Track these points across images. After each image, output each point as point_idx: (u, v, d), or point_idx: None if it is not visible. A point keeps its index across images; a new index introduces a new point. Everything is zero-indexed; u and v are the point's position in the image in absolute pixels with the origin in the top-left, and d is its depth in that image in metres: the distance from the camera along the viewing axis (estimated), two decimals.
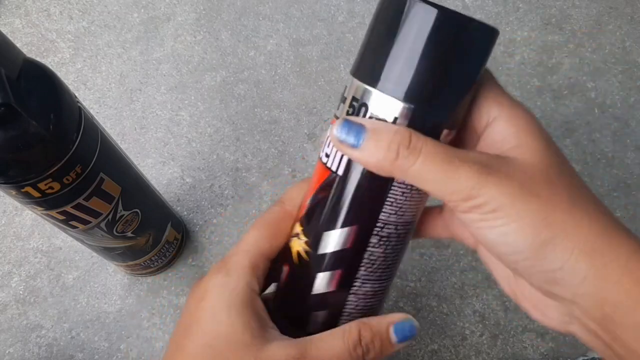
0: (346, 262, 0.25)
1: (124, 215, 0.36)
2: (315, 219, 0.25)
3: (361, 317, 0.26)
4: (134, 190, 0.35)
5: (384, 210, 0.24)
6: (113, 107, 0.52)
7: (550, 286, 0.22)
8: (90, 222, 0.34)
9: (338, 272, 0.25)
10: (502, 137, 0.23)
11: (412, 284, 0.44)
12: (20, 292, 0.45)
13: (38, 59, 0.55)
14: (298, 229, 0.26)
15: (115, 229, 0.36)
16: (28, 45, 0.56)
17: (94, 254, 0.46)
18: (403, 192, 0.24)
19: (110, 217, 0.34)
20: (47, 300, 0.45)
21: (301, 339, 0.24)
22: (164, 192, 0.48)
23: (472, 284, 0.43)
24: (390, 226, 0.24)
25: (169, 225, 0.42)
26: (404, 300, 0.43)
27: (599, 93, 0.49)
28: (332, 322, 0.26)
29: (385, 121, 0.23)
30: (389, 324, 0.25)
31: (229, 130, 0.51)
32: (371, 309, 0.27)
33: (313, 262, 0.25)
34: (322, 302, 0.26)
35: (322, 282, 0.25)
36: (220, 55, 0.54)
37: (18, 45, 0.57)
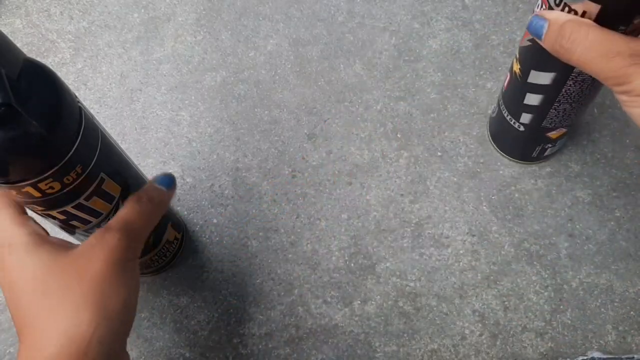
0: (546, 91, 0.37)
1: None
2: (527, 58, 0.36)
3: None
4: (135, 190, 0.35)
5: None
6: (113, 107, 0.52)
7: None
8: (91, 222, 0.34)
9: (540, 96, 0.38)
10: None
11: (411, 283, 0.44)
12: None
13: (38, 59, 0.55)
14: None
15: None
16: (28, 45, 0.56)
17: None
18: None
19: (110, 217, 0.34)
20: None
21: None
22: None
23: (472, 284, 0.43)
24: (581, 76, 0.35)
25: (168, 225, 0.42)
26: (403, 300, 0.43)
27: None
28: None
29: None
30: (151, 181, 0.36)
31: (229, 130, 0.51)
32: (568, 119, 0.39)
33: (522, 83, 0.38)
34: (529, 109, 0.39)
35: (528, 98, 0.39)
36: (220, 55, 0.54)
37: (18, 45, 0.57)
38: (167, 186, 0.36)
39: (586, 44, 0.28)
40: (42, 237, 0.31)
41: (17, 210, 0.31)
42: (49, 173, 0.28)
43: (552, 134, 0.43)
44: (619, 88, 0.28)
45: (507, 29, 0.53)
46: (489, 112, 0.49)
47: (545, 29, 0.31)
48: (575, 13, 0.32)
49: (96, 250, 0.30)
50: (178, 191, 0.48)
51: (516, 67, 0.40)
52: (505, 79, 0.43)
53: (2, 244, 0.30)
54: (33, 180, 0.28)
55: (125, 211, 0.33)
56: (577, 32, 0.29)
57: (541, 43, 0.32)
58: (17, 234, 0.30)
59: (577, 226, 0.45)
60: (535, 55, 0.37)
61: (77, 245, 0.31)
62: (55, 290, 0.29)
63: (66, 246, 0.31)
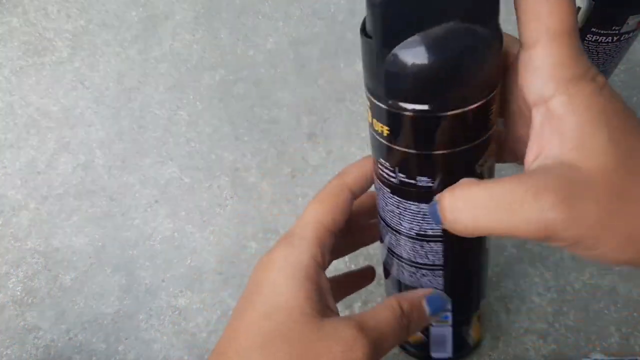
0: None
1: None
2: None
3: None
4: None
5: None
6: (111, 106, 0.52)
7: None
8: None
9: None
10: (561, 130, 0.19)
11: None
12: (18, 293, 0.45)
13: (36, 57, 0.55)
14: None
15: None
16: (26, 44, 0.55)
17: (92, 254, 0.46)
18: None
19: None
20: (45, 302, 0.44)
21: (355, 314, 0.26)
22: (162, 192, 0.48)
23: None
24: None
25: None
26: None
27: None
28: None
29: None
30: (421, 296, 0.28)
31: (228, 130, 0.50)
32: None
33: None
34: None
35: None
36: (219, 54, 0.54)
37: (15, 44, 0.57)
38: (432, 312, 0.28)
39: (466, 218, 0.20)
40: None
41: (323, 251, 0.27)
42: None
43: None
44: (548, 243, 0.19)
45: (509, 28, 0.53)
46: None
47: (438, 210, 0.21)
48: None
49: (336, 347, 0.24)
50: (177, 192, 0.48)
51: None
52: None
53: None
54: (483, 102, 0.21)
55: (385, 321, 0.26)
56: (460, 191, 0.21)
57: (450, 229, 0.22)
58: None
59: None
60: None
61: (331, 320, 0.25)
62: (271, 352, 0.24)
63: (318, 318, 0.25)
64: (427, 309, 0.28)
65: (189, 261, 0.45)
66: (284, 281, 0.25)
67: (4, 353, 0.43)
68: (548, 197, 0.18)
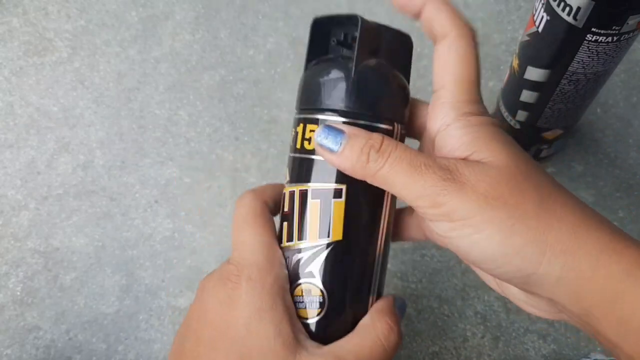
0: None
1: None
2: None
3: None
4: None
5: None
6: (111, 106, 0.52)
7: (529, 287, 0.22)
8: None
9: None
10: (458, 145, 0.23)
11: (413, 285, 0.43)
12: (18, 293, 0.45)
13: (36, 57, 0.54)
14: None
15: None
16: (26, 44, 0.55)
17: (92, 254, 0.46)
18: None
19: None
20: (45, 302, 0.44)
21: (330, 345, 0.25)
22: (162, 192, 0.48)
23: (474, 286, 0.43)
24: None
25: None
26: None
27: (601, 92, 0.49)
28: None
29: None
30: (390, 300, 0.27)
31: (228, 130, 0.50)
32: None
33: None
34: None
35: None
36: (219, 54, 0.54)
37: (15, 44, 0.57)
38: (401, 317, 0.28)
39: (395, 155, 0.23)
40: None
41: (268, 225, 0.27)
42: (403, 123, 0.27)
43: (548, 135, 0.42)
44: (435, 211, 0.22)
45: (509, 28, 0.53)
46: (490, 110, 0.49)
47: (344, 140, 0.24)
48: (570, 9, 0.31)
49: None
50: (177, 192, 0.48)
51: (515, 63, 0.39)
52: (506, 75, 0.42)
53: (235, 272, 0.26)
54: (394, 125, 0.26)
55: (360, 345, 0.25)
56: (388, 141, 0.23)
57: (333, 160, 0.24)
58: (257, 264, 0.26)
59: None
60: (533, 51, 0.37)
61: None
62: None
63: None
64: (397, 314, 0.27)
65: (189, 261, 0.45)
66: (252, 319, 0.24)
67: (4, 353, 0.43)
68: (446, 172, 0.22)
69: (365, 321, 0.26)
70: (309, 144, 0.26)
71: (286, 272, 0.26)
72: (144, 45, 0.55)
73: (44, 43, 0.55)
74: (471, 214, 0.21)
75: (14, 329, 0.44)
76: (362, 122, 0.25)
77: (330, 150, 0.24)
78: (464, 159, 0.23)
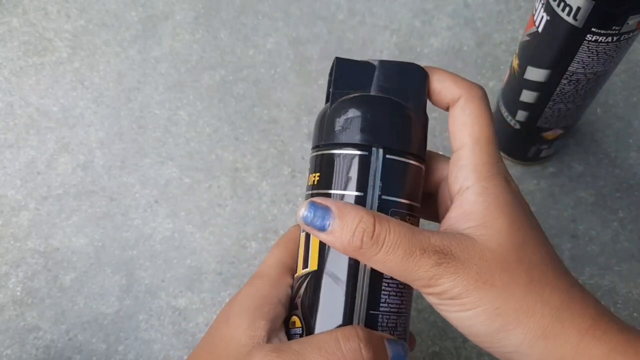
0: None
1: None
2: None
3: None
4: None
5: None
6: (111, 106, 0.52)
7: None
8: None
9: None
10: (471, 211, 0.24)
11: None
12: (18, 293, 0.45)
13: (35, 58, 0.54)
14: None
15: None
16: (26, 44, 0.55)
17: (92, 254, 0.46)
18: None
19: None
20: (45, 302, 0.44)
21: (294, 341, 0.25)
22: (162, 193, 0.48)
23: None
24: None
25: None
26: None
27: (601, 92, 0.49)
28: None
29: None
30: (383, 337, 0.25)
31: (228, 130, 0.50)
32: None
33: None
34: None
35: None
36: (219, 54, 0.54)
37: (15, 44, 0.57)
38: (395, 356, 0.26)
39: (390, 242, 0.23)
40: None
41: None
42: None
43: (548, 135, 0.42)
44: (428, 290, 0.23)
45: (509, 27, 0.53)
46: None
47: (331, 219, 0.23)
48: (570, 9, 0.31)
49: None
50: (177, 192, 0.48)
51: (515, 63, 0.39)
52: (506, 75, 0.42)
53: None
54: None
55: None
56: (380, 225, 0.23)
57: (323, 238, 0.24)
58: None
59: (580, 227, 0.44)
60: (533, 51, 0.37)
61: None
62: None
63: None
64: (389, 348, 0.25)
65: (188, 261, 0.45)
66: (235, 314, 0.25)
67: (4, 353, 0.43)
68: (441, 256, 0.23)
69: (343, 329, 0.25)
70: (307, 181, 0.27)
71: (289, 292, 0.27)
72: (143, 45, 0.55)
73: (44, 43, 0.55)
74: (461, 295, 0.23)
75: (13, 329, 0.44)
76: (329, 151, 0.25)
77: (319, 230, 0.24)
78: (466, 235, 0.24)
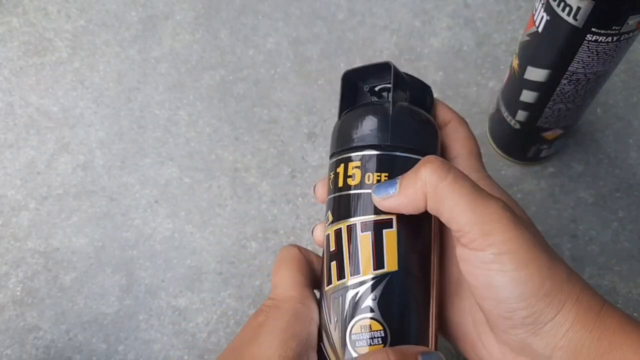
0: None
1: None
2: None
3: None
4: None
5: None
6: (111, 106, 0.52)
7: (534, 338, 0.23)
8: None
9: None
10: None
11: None
12: (18, 293, 0.45)
13: (35, 58, 0.54)
14: None
15: None
16: (26, 44, 0.55)
17: (92, 254, 0.46)
18: None
19: None
20: (45, 302, 0.44)
21: None
22: (162, 193, 0.48)
23: None
24: None
25: None
26: None
27: (601, 92, 0.49)
28: None
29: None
30: (417, 352, 0.24)
31: (228, 130, 0.50)
32: None
33: None
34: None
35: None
36: (219, 54, 0.54)
37: (15, 44, 0.57)
38: None
39: (455, 174, 0.24)
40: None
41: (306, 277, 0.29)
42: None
43: (548, 135, 0.42)
44: (483, 239, 0.23)
45: (509, 27, 0.53)
46: (490, 110, 0.49)
47: (398, 180, 0.25)
48: (570, 9, 0.31)
49: None
50: (177, 192, 0.48)
51: (515, 63, 0.39)
52: (506, 75, 0.42)
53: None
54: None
55: None
56: (448, 164, 0.25)
57: (392, 202, 0.25)
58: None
59: (580, 227, 0.44)
60: (533, 51, 0.37)
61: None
62: None
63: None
64: None
65: (188, 261, 0.45)
66: (265, 334, 0.25)
67: (4, 353, 0.43)
68: (505, 204, 0.24)
69: (375, 352, 0.25)
70: (352, 180, 0.26)
71: (317, 310, 0.27)
72: (143, 45, 0.55)
73: (44, 43, 0.55)
74: (520, 249, 0.22)
75: (14, 329, 0.44)
76: (398, 153, 0.26)
77: (389, 195, 0.25)
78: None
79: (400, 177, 0.25)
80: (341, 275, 0.26)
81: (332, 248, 0.27)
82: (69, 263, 0.46)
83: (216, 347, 0.42)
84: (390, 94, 0.28)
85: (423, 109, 0.29)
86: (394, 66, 0.28)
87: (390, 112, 0.27)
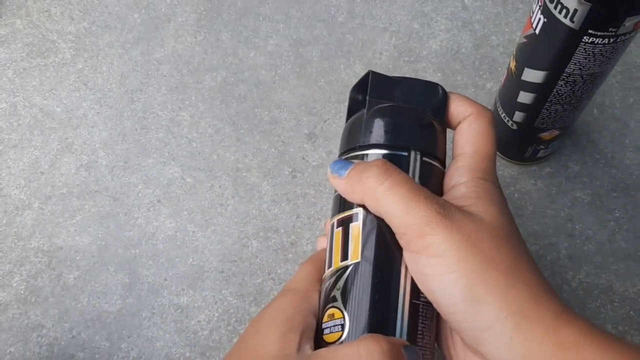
0: None
1: None
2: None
3: None
4: None
5: None
6: (114, 107, 0.52)
7: (478, 345, 0.23)
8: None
9: None
10: (463, 196, 0.25)
11: None
12: (21, 291, 0.45)
13: (39, 59, 0.55)
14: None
15: None
16: (29, 45, 0.56)
17: (95, 253, 0.46)
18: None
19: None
20: (48, 300, 0.45)
21: (316, 352, 0.25)
22: (165, 192, 0.48)
23: None
24: None
25: None
26: None
27: (598, 93, 0.50)
28: None
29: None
30: (400, 344, 0.24)
31: (230, 131, 0.51)
32: None
33: None
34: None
35: None
36: (220, 55, 0.54)
37: (19, 45, 0.57)
38: None
39: (398, 178, 0.25)
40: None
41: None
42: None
43: (545, 135, 0.43)
44: (418, 242, 0.23)
45: (507, 30, 0.53)
46: None
47: (350, 166, 0.26)
48: (567, 11, 0.32)
49: None
50: (179, 191, 0.49)
51: (512, 65, 0.40)
52: (503, 77, 0.43)
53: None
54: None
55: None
56: (390, 168, 0.25)
57: (339, 184, 0.27)
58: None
59: (577, 226, 0.45)
60: (530, 52, 0.37)
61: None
62: None
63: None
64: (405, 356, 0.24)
65: (190, 260, 0.46)
66: (265, 326, 0.26)
67: (8, 351, 0.43)
68: (442, 208, 0.24)
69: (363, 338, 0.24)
70: None
71: (318, 299, 0.28)
72: (146, 47, 0.55)
73: (47, 44, 0.56)
74: (449, 252, 0.23)
75: (17, 327, 0.44)
76: (371, 151, 0.27)
77: (339, 176, 0.26)
78: (460, 207, 0.25)
79: (356, 162, 0.27)
80: (326, 267, 0.28)
81: (327, 243, 0.29)
82: (73, 262, 0.46)
83: (218, 344, 0.43)
84: (367, 98, 0.29)
85: (429, 108, 0.29)
86: (372, 73, 0.29)
87: (365, 115, 0.28)
